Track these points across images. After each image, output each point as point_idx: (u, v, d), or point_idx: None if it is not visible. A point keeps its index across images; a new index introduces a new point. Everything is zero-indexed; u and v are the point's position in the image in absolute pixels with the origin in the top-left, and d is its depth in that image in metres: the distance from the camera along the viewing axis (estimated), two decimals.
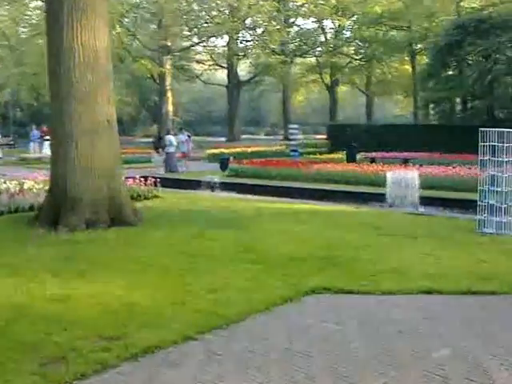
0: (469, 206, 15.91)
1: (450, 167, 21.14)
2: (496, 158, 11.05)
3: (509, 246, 9.56)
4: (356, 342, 5.30)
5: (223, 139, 60.43)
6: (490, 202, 11.18)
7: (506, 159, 11.02)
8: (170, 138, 26.58)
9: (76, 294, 6.59)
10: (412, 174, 15.82)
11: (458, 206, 16.10)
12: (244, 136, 66.62)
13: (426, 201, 15.71)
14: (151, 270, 7.67)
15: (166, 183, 18.95)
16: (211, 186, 19.98)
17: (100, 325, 5.64)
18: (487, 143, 11.07)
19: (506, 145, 10.91)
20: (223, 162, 25.80)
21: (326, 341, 5.35)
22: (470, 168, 20.80)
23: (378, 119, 61.91)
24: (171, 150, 26.12)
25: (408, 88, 53.54)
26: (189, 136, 28.90)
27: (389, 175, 15.90)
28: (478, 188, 11.39)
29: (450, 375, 4.61)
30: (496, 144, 10.97)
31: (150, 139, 53.22)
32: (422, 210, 15.36)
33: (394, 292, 6.94)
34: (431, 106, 43.21)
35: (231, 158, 27.87)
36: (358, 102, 78.35)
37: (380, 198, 16.64)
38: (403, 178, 15.69)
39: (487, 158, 11.17)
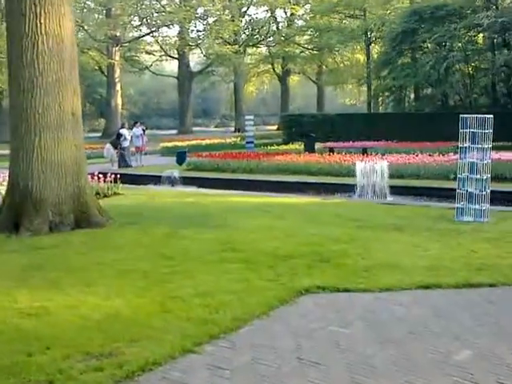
0: (437, 193, 15.99)
1: (412, 155, 21.10)
2: (475, 145, 10.86)
3: (491, 235, 9.39)
4: (369, 348, 4.94)
5: (174, 132, 59.66)
6: (469, 189, 11.01)
7: (486, 146, 10.85)
8: (124, 131, 25.86)
9: (51, 306, 6.04)
10: (381, 164, 15.60)
11: (425, 194, 16.06)
12: (195, 128, 65.95)
13: (393, 190, 15.58)
14: (129, 276, 7.16)
15: (124, 179, 18.33)
16: (171, 181, 19.44)
17: (85, 340, 5.13)
18: (467, 130, 10.86)
19: (486, 131, 10.73)
20: (180, 156, 25.20)
21: (337, 347, 4.98)
22: (431, 155, 20.85)
23: (329, 109, 61.97)
24: (125, 144, 25.44)
25: (361, 77, 53.68)
26: (143, 130, 28.10)
27: (358, 165, 15.66)
28: (458, 176, 11.20)
29: (481, 380, 4.30)
30: (476, 131, 10.77)
31: (98, 134, 52.30)
32: (390, 199, 15.22)
33: (392, 288, 6.63)
34: (386, 94, 43.39)
35: (187, 151, 27.33)
36: (309, 92, 78.49)
37: (347, 189, 16.46)
38: (373, 167, 15.47)
39: (467, 144, 10.97)
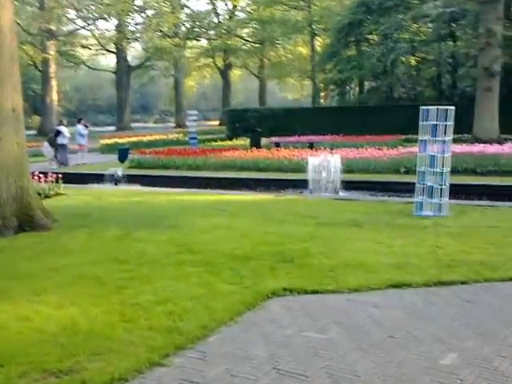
0: (390, 188, 16.01)
1: (362, 149, 21.15)
2: (436, 138, 10.81)
3: (454, 230, 9.36)
4: (350, 355, 4.73)
5: (112, 128, 58.61)
6: (429, 183, 10.97)
7: (447, 138, 10.82)
8: (63, 129, 25.15)
9: (1, 318, 5.62)
10: (334, 159, 15.50)
11: (378, 188, 16.06)
12: (133, 124, 64.96)
13: (345, 185, 15.51)
14: (83, 282, 6.76)
15: (65, 178, 17.73)
16: (115, 180, 18.90)
17: (41, 356, 4.74)
18: (428, 122, 10.80)
19: (447, 123, 10.69)
20: (122, 153, 24.60)
21: (316, 355, 4.75)
22: (380, 149, 20.95)
23: (271, 103, 62.03)
24: (64, 141, 24.77)
25: (304, 71, 53.81)
26: (86, 127, 27.37)
27: (310, 160, 15.51)
28: (417, 170, 11.14)
29: None
30: (438, 123, 10.72)
31: (32, 131, 50.71)
32: (343, 194, 15.17)
33: (361, 288, 6.47)
34: (331, 87, 43.58)
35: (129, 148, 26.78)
36: (251, 86, 78.38)
37: (298, 184, 16.33)
38: (325, 162, 15.35)
39: (427, 137, 10.92)
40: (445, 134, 10.75)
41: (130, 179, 19.02)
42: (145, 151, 24.38)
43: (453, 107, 10.81)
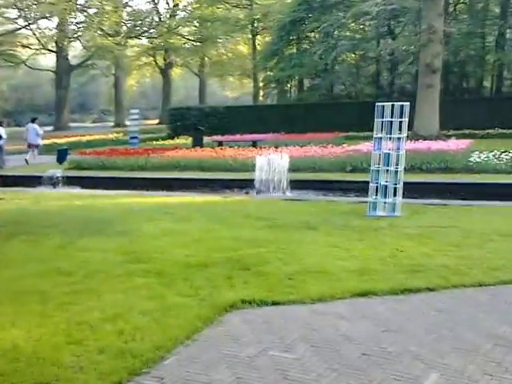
0: (337, 186, 15.73)
1: (307, 148, 20.84)
2: (391, 135, 10.50)
3: (411, 231, 9.06)
4: (324, 377, 4.27)
5: (50, 128, 56.89)
6: (383, 182, 10.66)
7: (402, 135, 10.52)
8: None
9: None
10: (281, 158, 15.10)
11: (326, 187, 15.74)
12: (71, 124, 63.29)
13: (292, 184, 15.15)
14: (24, 298, 6.10)
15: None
16: (54, 182, 18.03)
17: None
18: (381, 119, 10.48)
19: (403, 119, 10.39)
20: (61, 154, 23.65)
21: (285, 378, 4.27)
22: (325, 147, 20.69)
23: (211, 102, 61.45)
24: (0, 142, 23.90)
25: (245, 69, 53.41)
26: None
27: (258, 159, 15.08)
28: (371, 168, 10.81)
29: None
30: (394, 120, 10.41)
31: None
32: (290, 194, 14.80)
33: (324, 298, 6.02)
34: (272, 85, 43.31)
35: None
36: (191, 84, 77.59)
37: (245, 184, 15.90)
38: (272, 161, 14.94)
39: (381, 135, 10.60)
40: (400, 130, 10.45)
41: (70, 181, 18.20)
42: (84, 151, 23.46)
43: (407, 103, 10.52)
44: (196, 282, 6.55)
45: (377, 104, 10.64)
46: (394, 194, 10.66)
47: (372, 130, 29.24)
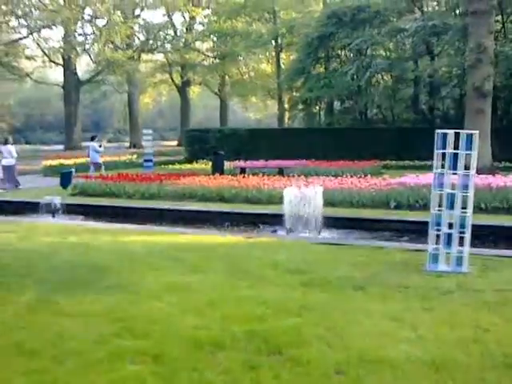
0: (380, 226, 14.05)
1: (341, 178, 19.17)
2: (456, 171, 8.81)
3: (490, 297, 7.30)
4: None
5: (61, 147, 55.98)
6: (446, 229, 8.96)
7: (470, 172, 8.84)
8: (9, 148, 23.61)
9: None
10: (315, 190, 13.45)
11: (366, 226, 14.10)
12: (85, 143, 62.27)
13: (327, 221, 13.48)
14: None
15: None
16: (52, 210, 16.53)
17: None
18: (446, 150, 8.80)
19: (472, 152, 8.71)
20: (65, 177, 22.24)
21: None
22: (362, 177, 19.06)
23: (233, 124, 60.24)
24: (10, 163, 23.50)
25: (269, 89, 52.05)
26: (100, 146, 27.71)
27: (287, 192, 13.43)
28: (431, 212, 9.11)
29: None
30: (461, 152, 8.74)
31: None
32: (325, 234, 13.17)
33: None
34: (300, 107, 41.76)
35: (73, 171, 24.43)
36: (211, 104, 76.59)
37: (272, 220, 14.31)
38: (304, 194, 13.30)
39: (442, 170, 8.92)
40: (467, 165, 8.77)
41: (71, 210, 16.72)
42: (90, 175, 21.97)
43: (476, 132, 8.86)
44: (207, 376, 4.91)
45: (437, 131, 8.96)
46: (460, 244, 8.94)
47: (412, 159, 27.33)
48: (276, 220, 13.88)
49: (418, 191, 16.25)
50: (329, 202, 15.88)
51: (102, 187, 20.17)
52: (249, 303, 6.94)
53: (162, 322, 6.22)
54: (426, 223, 9.47)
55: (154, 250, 10.10)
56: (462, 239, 8.93)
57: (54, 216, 16.32)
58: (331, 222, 13.57)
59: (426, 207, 14.50)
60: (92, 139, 28.30)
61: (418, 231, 12.60)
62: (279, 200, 14.50)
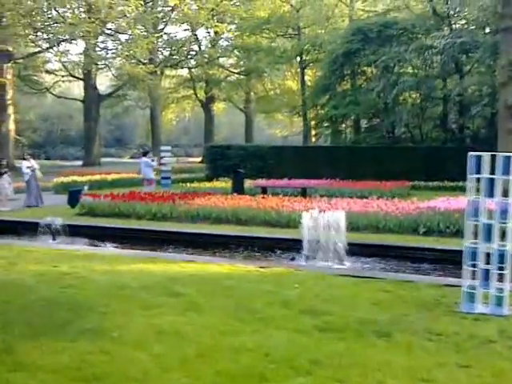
0: (408, 254, 12.89)
1: (368, 200, 17.99)
2: (495, 199, 7.65)
3: None
4: None
5: (78, 164, 55.45)
6: (482, 265, 7.80)
7: (509, 200, 7.69)
8: (27, 163, 23.16)
9: None
10: (337, 215, 12.30)
11: (392, 254, 12.92)
12: (105, 159, 61.83)
13: (350, 248, 12.31)
14: None
15: None
16: (52, 232, 15.55)
17: None
18: (481, 175, 7.66)
19: (511, 177, 7.56)
20: (73, 195, 21.35)
21: None
22: (390, 200, 17.86)
23: (258, 141, 59.30)
24: (26, 177, 22.88)
25: (294, 106, 51.10)
26: (152, 160, 27.36)
27: (306, 217, 12.29)
28: (465, 244, 7.95)
29: None
30: (498, 177, 7.60)
31: None
32: (347, 263, 12.01)
33: None
34: (325, 124, 40.68)
35: (85, 189, 23.57)
36: (236, 120, 75.84)
37: (290, 245, 13.22)
38: (325, 219, 12.16)
39: (477, 197, 7.78)
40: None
41: (74, 231, 15.71)
42: (98, 194, 20.95)
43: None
44: None
45: (470, 154, 7.81)
46: (500, 281, 7.77)
47: (441, 180, 25.71)
48: (295, 245, 12.78)
49: (449, 216, 15.06)
50: (353, 227, 14.80)
51: (111, 207, 19.20)
52: (249, 355, 5.84)
53: (139, 382, 5.14)
54: (458, 252, 8.37)
55: (150, 283, 9.02)
56: (501, 276, 7.78)
57: (54, 238, 15.34)
58: (354, 249, 12.40)
59: (458, 233, 13.43)
60: (144, 155, 27.81)
61: (451, 261, 11.52)
62: (299, 223, 13.40)
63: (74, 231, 15.67)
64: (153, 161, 27.30)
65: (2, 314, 7.24)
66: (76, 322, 6.89)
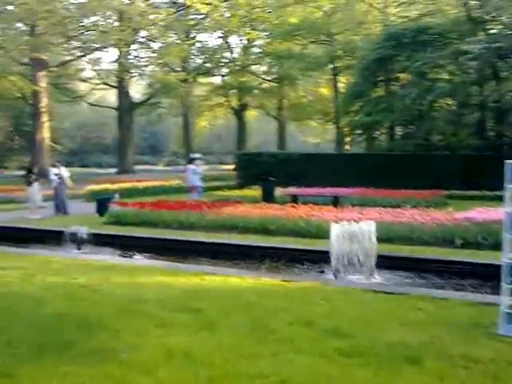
0: (443, 268, 12.26)
1: (400, 210, 17.34)
2: None
3: None
4: None
5: (112, 171, 55.52)
6: None
7: None
8: (55, 171, 23.17)
9: None
10: (367, 225, 11.73)
11: (426, 268, 12.30)
12: (139, 167, 61.93)
13: (380, 261, 11.71)
14: None
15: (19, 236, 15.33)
16: (78, 241, 15.22)
17: None
18: None
19: None
20: (101, 204, 21.09)
21: None
22: (425, 210, 17.18)
23: (291, 148, 58.82)
24: (55, 184, 22.97)
25: (326, 113, 50.50)
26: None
27: (334, 228, 11.73)
28: (503, 260, 7.34)
29: None
30: None
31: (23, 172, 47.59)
32: (378, 277, 11.44)
33: None
34: (358, 132, 39.99)
35: (117, 197, 23.30)
36: (269, 128, 75.38)
37: (318, 257, 12.68)
38: (355, 230, 11.60)
39: None
40: None
41: (99, 240, 15.39)
42: (125, 203, 20.65)
43: None
44: None
45: (507, 162, 7.21)
46: None
47: (478, 189, 24.69)
48: (323, 257, 12.21)
49: (487, 227, 14.33)
50: (385, 238, 14.20)
51: (138, 215, 18.88)
52: (264, 383, 5.32)
53: None
54: (497, 266, 7.75)
55: (167, 297, 8.55)
56: None
57: (79, 248, 15.02)
58: (386, 262, 11.85)
59: (496, 246, 12.73)
60: (191, 162, 27.45)
61: (489, 276, 10.88)
62: (328, 234, 12.85)
63: (99, 240, 15.39)
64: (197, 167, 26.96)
65: (8, 331, 6.82)
66: (84, 341, 6.44)
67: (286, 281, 10.22)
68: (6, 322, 7.21)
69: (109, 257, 13.72)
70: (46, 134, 45.09)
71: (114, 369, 5.61)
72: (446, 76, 35.92)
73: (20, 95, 48.77)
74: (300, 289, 9.60)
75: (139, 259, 13.72)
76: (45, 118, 44.67)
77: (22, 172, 42.12)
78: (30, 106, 47.10)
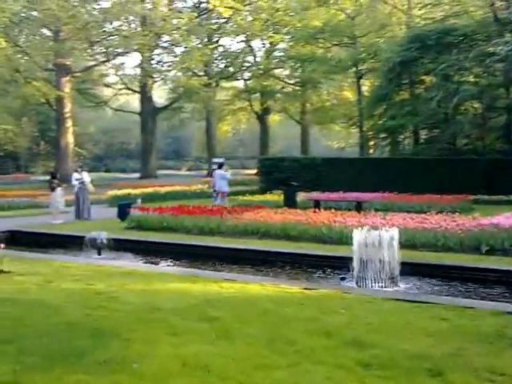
0: (469, 275, 11.96)
1: (425, 215, 17.01)
2: None
3: None
4: None
5: (135, 176, 55.66)
6: None
7: None
8: (77, 176, 23.27)
9: None
10: (390, 232, 11.47)
11: (451, 275, 12.00)
12: (162, 172, 62.09)
13: (405, 268, 11.45)
14: None
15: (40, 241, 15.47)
16: (98, 247, 15.13)
17: None
18: None
19: None
20: (122, 209, 21.06)
21: None
22: (450, 216, 16.82)
23: (314, 152, 58.49)
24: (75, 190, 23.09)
25: (350, 116, 50.13)
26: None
27: (356, 235, 11.48)
28: None
29: None
30: None
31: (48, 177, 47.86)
32: (401, 285, 11.18)
33: None
34: (382, 135, 39.58)
35: (139, 202, 23.29)
36: (292, 132, 75.20)
37: (339, 264, 12.42)
38: (378, 236, 11.34)
39: None
40: None
41: (120, 246, 15.30)
42: (147, 208, 20.56)
43: None
44: None
45: None
46: None
47: (506, 194, 24.23)
48: (345, 263, 11.97)
49: None
50: (409, 244, 14.00)
51: (159, 220, 18.81)
52: None
53: None
54: None
55: (184, 305, 8.39)
56: None
57: (99, 253, 14.93)
58: (410, 269, 11.58)
59: None
60: (220, 167, 27.16)
61: None
62: (351, 240, 12.61)
63: (119, 246, 15.30)
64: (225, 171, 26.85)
65: (20, 339, 6.69)
66: (96, 350, 6.29)
67: (305, 288, 10.01)
68: (19, 331, 7.09)
69: (127, 262, 13.64)
70: (70, 139, 45.36)
71: (125, 379, 5.45)
72: (471, 78, 35.40)
73: (44, 101, 49.11)
74: (320, 297, 9.39)
75: (158, 265, 13.58)
76: (69, 123, 44.93)
77: (47, 177, 42.43)
78: (54, 112, 47.35)
